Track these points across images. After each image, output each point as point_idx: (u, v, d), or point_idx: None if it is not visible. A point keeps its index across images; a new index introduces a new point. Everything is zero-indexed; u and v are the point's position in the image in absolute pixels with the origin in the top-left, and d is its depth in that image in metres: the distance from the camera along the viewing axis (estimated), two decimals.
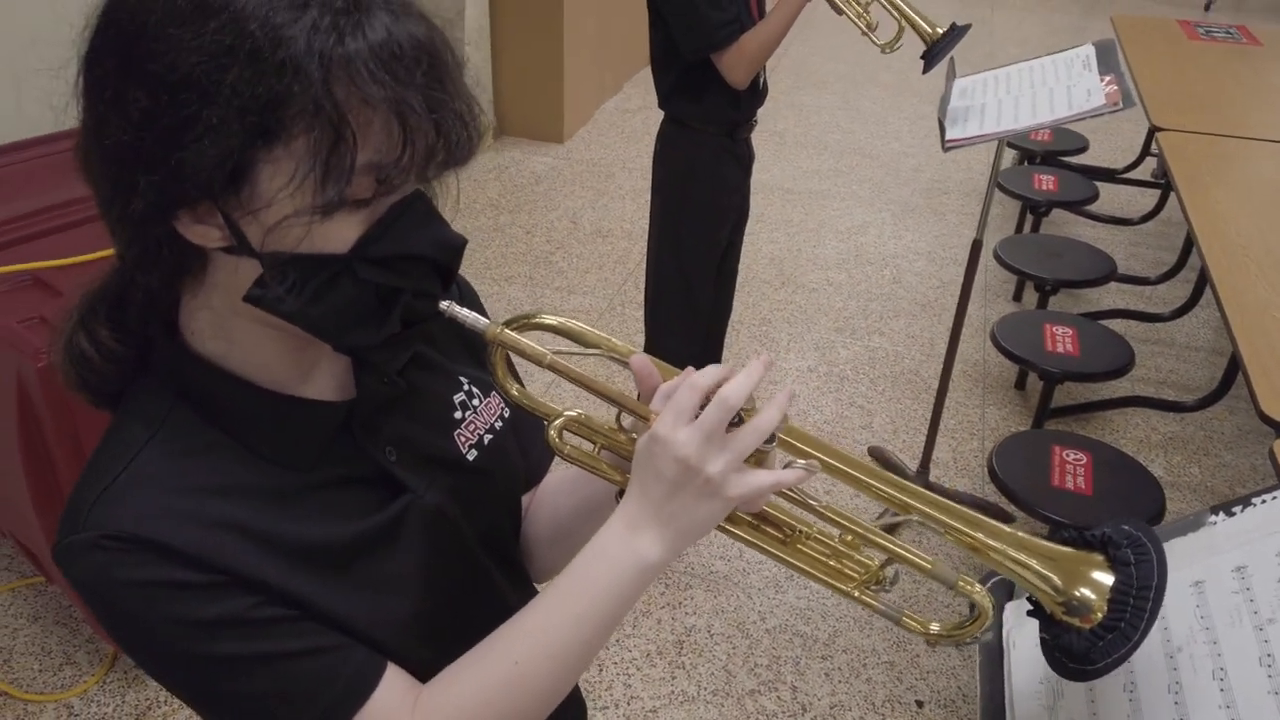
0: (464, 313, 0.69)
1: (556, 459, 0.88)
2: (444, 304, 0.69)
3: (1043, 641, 0.73)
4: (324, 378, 0.73)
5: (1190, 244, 3.64)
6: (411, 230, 0.65)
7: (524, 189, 4.48)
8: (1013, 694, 0.84)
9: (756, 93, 2.32)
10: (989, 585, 0.95)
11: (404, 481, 0.75)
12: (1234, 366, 2.67)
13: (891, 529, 2.74)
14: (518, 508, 0.91)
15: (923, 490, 0.71)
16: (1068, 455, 2.16)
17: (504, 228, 4.09)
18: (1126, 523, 0.72)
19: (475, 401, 0.84)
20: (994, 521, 0.71)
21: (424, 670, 0.73)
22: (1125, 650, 0.67)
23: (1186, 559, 0.81)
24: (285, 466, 0.70)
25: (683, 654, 2.25)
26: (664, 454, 0.66)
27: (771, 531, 0.74)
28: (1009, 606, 0.96)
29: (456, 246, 0.68)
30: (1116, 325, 3.26)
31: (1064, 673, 0.70)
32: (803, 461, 0.69)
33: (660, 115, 2.36)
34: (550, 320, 0.72)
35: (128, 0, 0.59)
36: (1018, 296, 3.77)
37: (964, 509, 0.70)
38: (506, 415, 0.86)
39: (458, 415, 0.82)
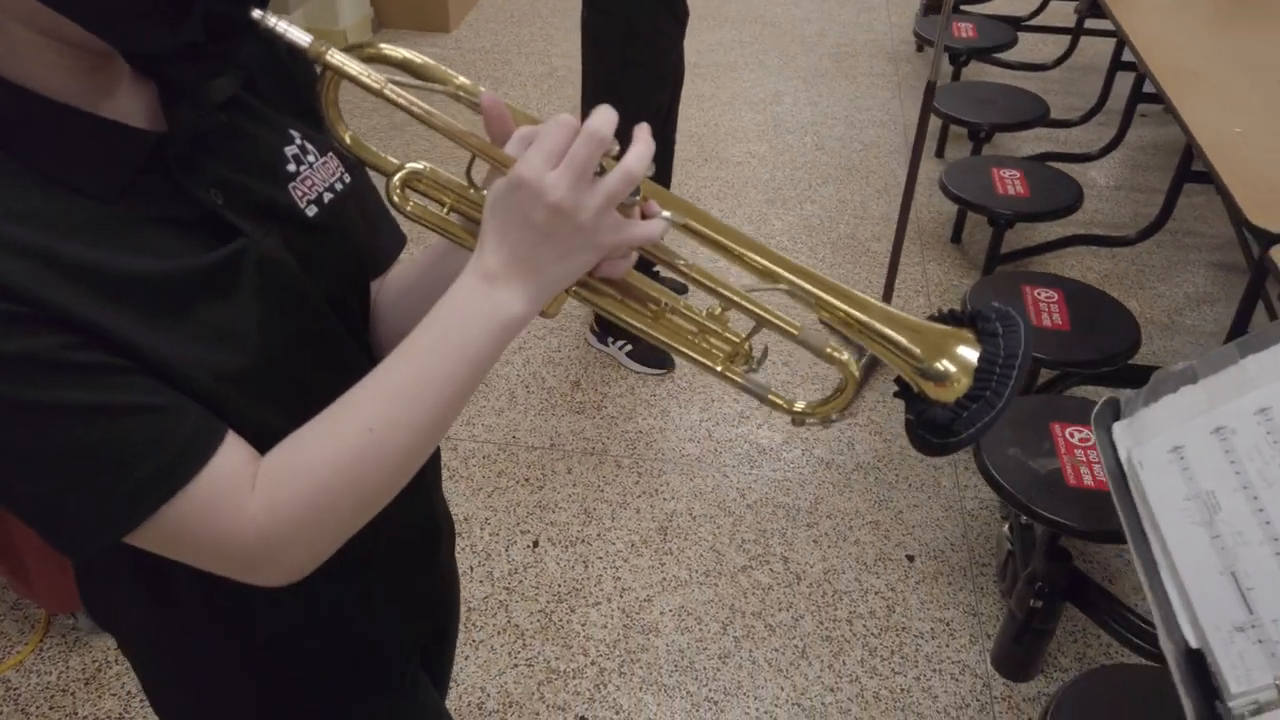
0: (284, 25, 0.61)
1: (406, 249, 0.84)
2: (257, 13, 0.60)
3: (907, 423, 0.70)
4: (127, 102, 0.64)
5: (1109, 85, 3.65)
6: None
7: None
8: (1154, 515, 0.77)
9: None
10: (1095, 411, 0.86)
11: (237, 225, 0.66)
12: (1174, 193, 2.69)
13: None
14: (366, 289, 0.82)
15: (790, 260, 0.68)
16: (1039, 294, 2.12)
17: (400, 126, 3.79)
18: (995, 302, 0.71)
19: (310, 158, 0.75)
20: (865, 296, 0.69)
21: (270, 441, 0.65)
22: (989, 418, 0.64)
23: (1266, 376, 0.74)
24: (88, 196, 0.60)
25: (668, 540, 2.18)
26: (531, 199, 0.60)
27: (635, 306, 0.72)
28: (1117, 427, 0.88)
29: None
30: None
31: (926, 448, 0.68)
32: (668, 213, 0.66)
33: None
34: (391, 52, 0.66)
35: None
36: (940, 152, 3.73)
37: (835, 282, 0.68)
38: (348, 180, 0.78)
39: (291, 168, 0.73)
